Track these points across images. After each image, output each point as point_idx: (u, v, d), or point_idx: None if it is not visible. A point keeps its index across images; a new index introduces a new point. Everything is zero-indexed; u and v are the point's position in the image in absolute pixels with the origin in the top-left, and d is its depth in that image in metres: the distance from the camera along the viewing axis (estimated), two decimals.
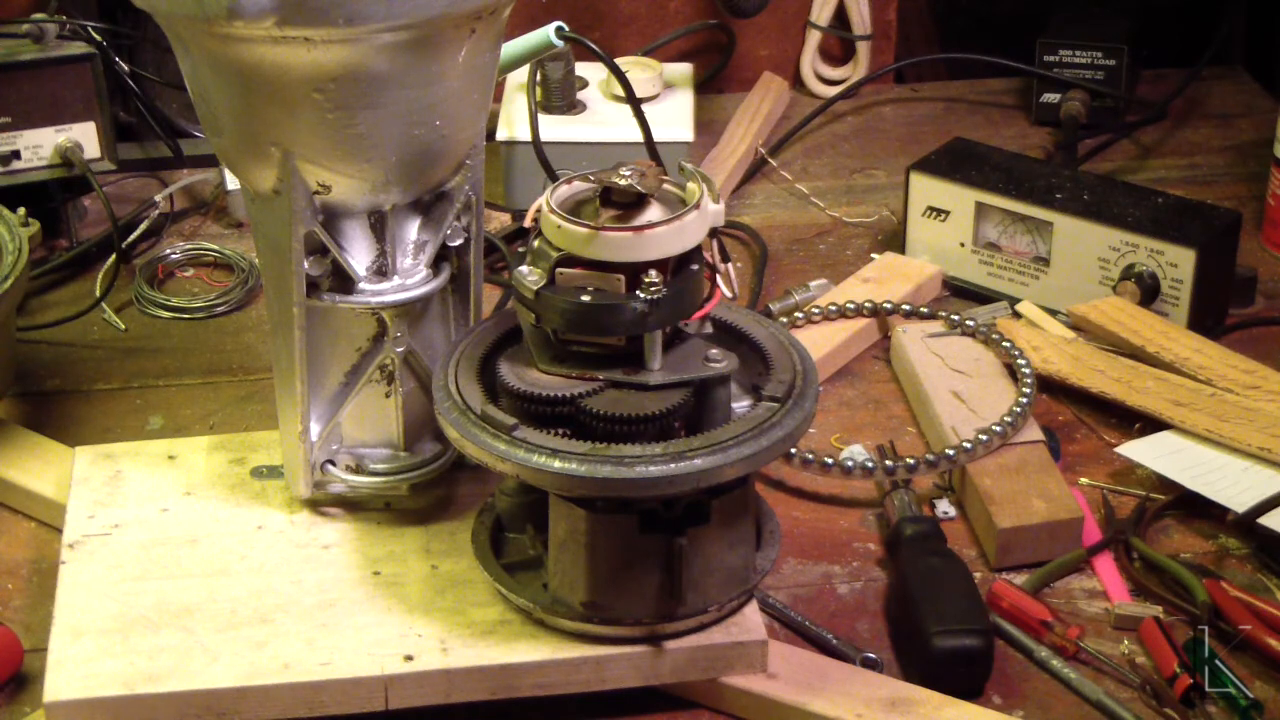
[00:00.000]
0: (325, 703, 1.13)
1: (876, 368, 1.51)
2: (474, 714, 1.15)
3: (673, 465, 1.08)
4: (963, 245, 1.60)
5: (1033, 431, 1.36)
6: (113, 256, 1.58)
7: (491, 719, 1.15)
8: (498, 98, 1.71)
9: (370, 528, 1.24)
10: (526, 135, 1.68)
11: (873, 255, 1.65)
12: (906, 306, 1.52)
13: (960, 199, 1.59)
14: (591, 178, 1.14)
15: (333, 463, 1.25)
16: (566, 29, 1.48)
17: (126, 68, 1.72)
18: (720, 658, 1.15)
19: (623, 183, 1.11)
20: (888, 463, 1.33)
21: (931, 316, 1.51)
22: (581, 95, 1.74)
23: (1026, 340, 1.47)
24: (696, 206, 1.12)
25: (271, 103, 1.12)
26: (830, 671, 1.17)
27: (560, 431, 1.11)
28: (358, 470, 1.25)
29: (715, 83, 1.96)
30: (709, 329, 1.18)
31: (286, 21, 1.06)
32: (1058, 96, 1.86)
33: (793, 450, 1.33)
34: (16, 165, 1.61)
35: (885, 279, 1.58)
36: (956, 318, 1.49)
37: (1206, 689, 1.15)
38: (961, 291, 1.60)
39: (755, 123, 1.84)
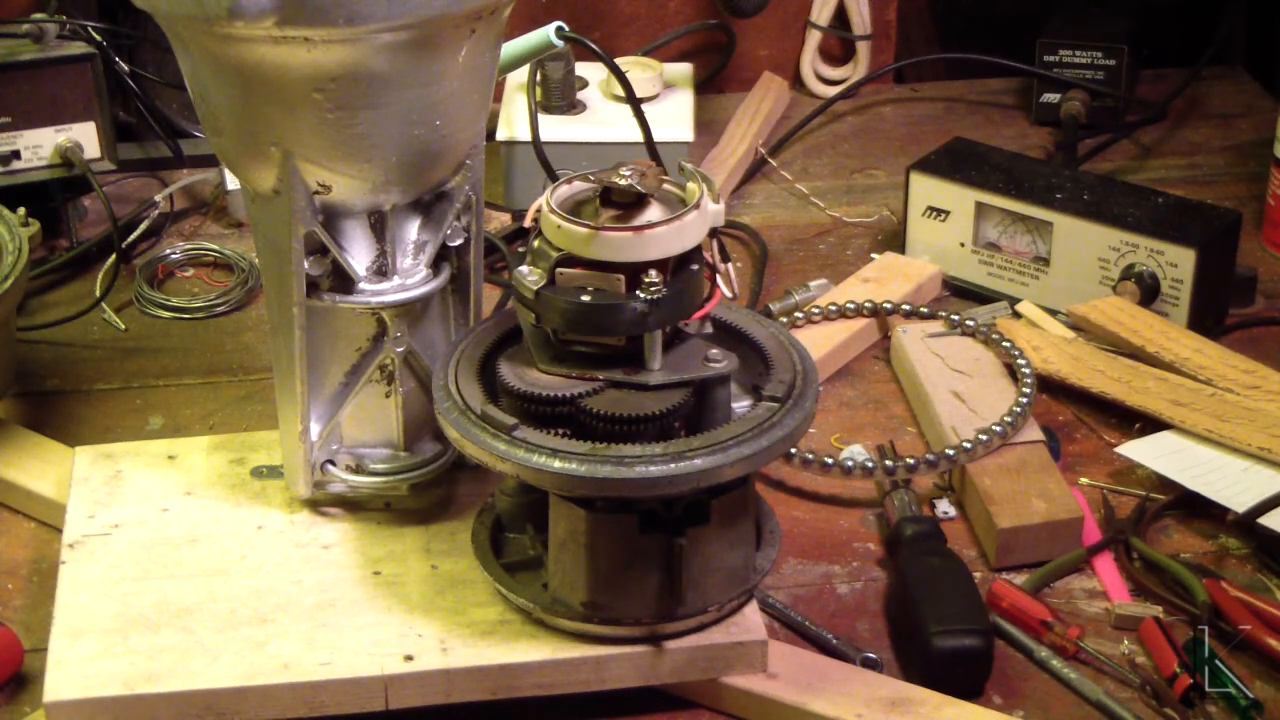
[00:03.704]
0: (325, 703, 1.13)
1: (876, 368, 1.51)
2: (474, 714, 1.15)
3: (673, 465, 1.08)
4: (963, 245, 1.60)
5: (1033, 431, 1.36)
6: (113, 256, 1.58)
7: (491, 719, 1.15)
8: (498, 98, 1.71)
9: (370, 528, 1.24)
10: (526, 135, 1.68)
11: (873, 255, 1.65)
12: (906, 306, 1.52)
13: (960, 199, 1.59)
14: (591, 178, 1.14)
15: (333, 463, 1.25)
16: (566, 29, 1.48)
17: (126, 68, 1.72)
18: (720, 658, 1.15)
19: (623, 183, 1.11)
20: (888, 463, 1.33)
21: (931, 316, 1.51)
22: (581, 95, 1.74)
23: (1026, 340, 1.47)
24: (696, 206, 1.12)
25: (271, 103, 1.12)
26: (830, 671, 1.17)
27: (560, 431, 1.11)
28: (358, 470, 1.25)
29: (715, 83, 1.96)
30: (709, 329, 1.17)
31: (286, 21, 1.06)
32: (1058, 96, 1.86)
33: (793, 450, 1.33)
34: (16, 165, 1.61)
35: (885, 279, 1.57)
36: (956, 318, 1.49)
37: (1206, 689, 1.15)
38: (961, 291, 1.60)
39: (755, 123, 1.84)
